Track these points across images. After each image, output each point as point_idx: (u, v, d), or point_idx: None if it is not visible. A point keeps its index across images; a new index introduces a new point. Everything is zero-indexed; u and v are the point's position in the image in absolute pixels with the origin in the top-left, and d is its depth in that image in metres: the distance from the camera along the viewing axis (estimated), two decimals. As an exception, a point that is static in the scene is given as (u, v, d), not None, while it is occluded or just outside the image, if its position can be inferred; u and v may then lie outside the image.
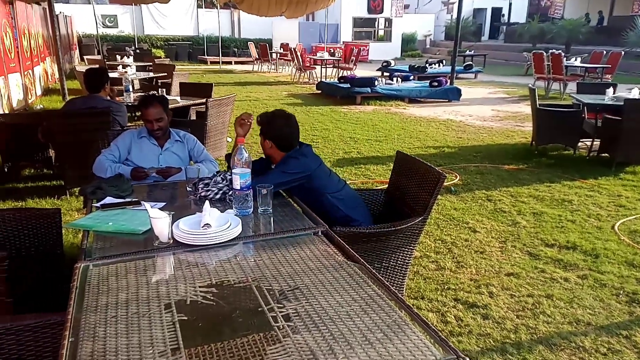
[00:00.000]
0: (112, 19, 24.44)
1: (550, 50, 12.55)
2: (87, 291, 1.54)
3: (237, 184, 2.17)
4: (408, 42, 27.92)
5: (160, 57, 16.24)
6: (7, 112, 7.40)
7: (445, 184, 2.55)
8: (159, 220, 1.84)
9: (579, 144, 6.55)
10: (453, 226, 4.18)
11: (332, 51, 18.50)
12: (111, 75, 6.92)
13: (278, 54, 18.92)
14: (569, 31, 21.43)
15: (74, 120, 4.43)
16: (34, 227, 2.29)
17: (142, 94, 6.35)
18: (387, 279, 2.55)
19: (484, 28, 30.54)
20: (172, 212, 1.91)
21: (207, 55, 22.55)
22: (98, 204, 2.30)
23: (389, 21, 26.79)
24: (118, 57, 12.04)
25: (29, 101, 9.17)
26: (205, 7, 25.85)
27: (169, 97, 5.73)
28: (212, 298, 1.51)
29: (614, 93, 6.38)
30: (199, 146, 3.30)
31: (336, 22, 25.53)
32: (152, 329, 1.32)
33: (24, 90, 8.91)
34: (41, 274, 2.33)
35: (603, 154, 6.15)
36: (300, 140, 2.73)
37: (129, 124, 5.35)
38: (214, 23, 22.67)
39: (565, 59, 12.17)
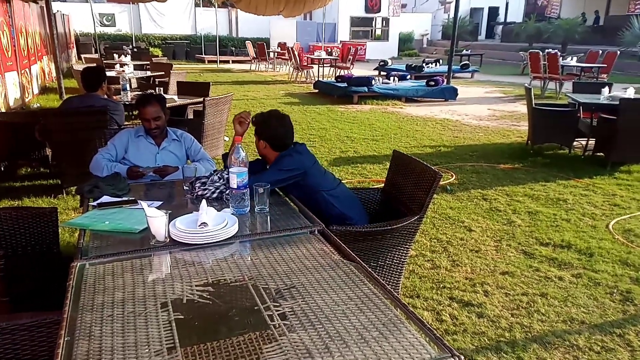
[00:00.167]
0: (109, 18, 24.38)
1: (547, 50, 12.60)
2: (83, 290, 1.55)
3: (234, 183, 2.18)
4: (405, 42, 27.93)
5: (157, 56, 16.19)
6: (4, 110, 7.37)
7: (441, 183, 2.56)
8: (156, 219, 1.84)
9: (575, 143, 6.58)
10: (449, 225, 4.20)
11: (330, 50, 18.50)
12: (108, 74, 6.92)
13: (275, 53, 18.90)
14: (565, 31, 21.48)
15: (71, 119, 4.43)
16: (31, 226, 2.29)
17: (140, 92, 6.35)
18: (383, 278, 2.56)
19: (480, 27, 30.60)
20: (169, 211, 1.91)
21: (205, 54, 22.52)
22: (95, 203, 2.30)
23: (386, 20, 26.81)
24: (115, 55, 12.01)
25: (26, 100, 9.14)
26: (202, 6, 25.81)
27: (166, 96, 5.73)
28: (208, 297, 1.51)
29: (609, 92, 6.41)
30: (196, 145, 3.30)
31: (334, 21, 25.54)
32: (149, 328, 1.33)
33: (21, 89, 8.89)
34: (37, 273, 2.33)
35: (598, 154, 6.18)
36: (296, 139, 2.74)
37: (126, 123, 5.35)
38: (212, 22, 22.63)
39: (561, 58, 12.21)
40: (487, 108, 10.51)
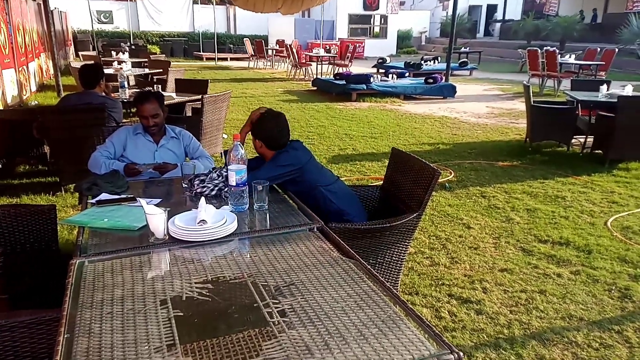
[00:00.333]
0: (107, 15, 24.31)
1: (545, 47, 12.60)
2: (82, 287, 1.55)
3: (232, 180, 2.18)
4: (403, 39, 27.92)
5: (155, 53, 16.15)
6: (1, 108, 7.35)
7: (439, 180, 2.56)
8: (155, 216, 1.84)
9: (573, 140, 6.59)
10: (447, 222, 4.20)
11: (328, 48, 18.48)
12: (106, 71, 6.89)
13: (274, 51, 18.88)
14: (563, 28, 21.49)
15: (69, 116, 4.42)
16: (29, 223, 2.29)
17: (138, 90, 6.33)
18: (382, 275, 2.57)
19: (479, 25, 30.59)
20: (168, 209, 1.91)
21: (203, 52, 22.47)
22: (93, 200, 2.30)
23: (384, 18, 26.77)
24: (113, 53, 11.98)
25: (24, 97, 9.12)
26: (200, 3, 25.73)
27: (164, 94, 5.72)
28: (207, 294, 1.51)
29: (607, 90, 6.42)
30: (195, 143, 3.30)
31: (332, 19, 25.50)
32: (148, 325, 1.33)
33: (19, 86, 8.86)
34: (36, 270, 2.33)
35: (596, 151, 6.19)
36: (294, 137, 2.75)
37: (124, 120, 5.34)
38: (210, 19, 22.60)
39: (559, 56, 12.21)
40: (485, 105, 10.51)
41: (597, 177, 5.49)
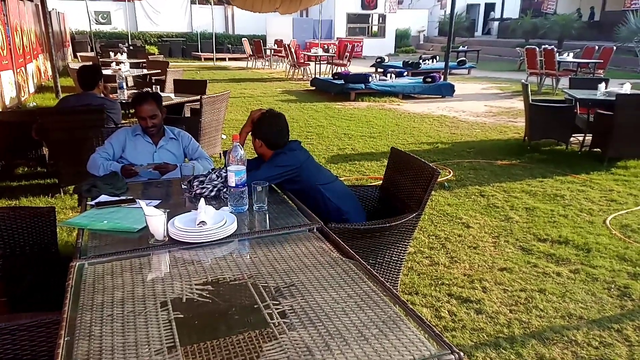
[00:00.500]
0: (105, 16, 24.29)
1: (543, 46, 12.60)
2: (82, 290, 1.55)
3: (232, 181, 2.18)
4: (402, 38, 27.92)
5: (153, 54, 16.14)
6: (0, 110, 7.34)
7: (438, 179, 2.57)
8: (155, 218, 1.84)
9: (571, 139, 6.59)
10: (447, 222, 4.21)
11: (326, 47, 18.48)
12: (105, 72, 6.89)
13: (272, 50, 18.87)
14: (561, 26, 21.50)
15: (67, 117, 4.41)
16: (28, 225, 2.29)
17: (136, 91, 6.33)
18: (382, 275, 2.57)
19: (477, 23, 30.59)
20: (168, 210, 1.91)
21: (201, 52, 22.46)
22: (93, 202, 2.30)
23: (382, 17, 26.77)
24: (111, 54, 11.96)
25: (22, 99, 9.11)
26: (198, 3, 25.72)
27: (163, 94, 5.71)
28: (208, 295, 1.51)
29: (606, 88, 6.42)
30: (194, 143, 3.30)
31: (330, 18, 25.49)
32: (148, 327, 1.33)
33: (17, 88, 8.85)
34: (36, 272, 2.33)
35: (595, 149, 6.19)
36: (293, 137, 2.75)
37: (123, 122, 5.33)
38: (208, 19, 22.58)
39: (557, 54, 12.22)
40: (484, 104, 10.52)
41: (595, 175, 5.50)
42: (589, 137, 6.35)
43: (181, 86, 6.75)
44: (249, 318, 1.40)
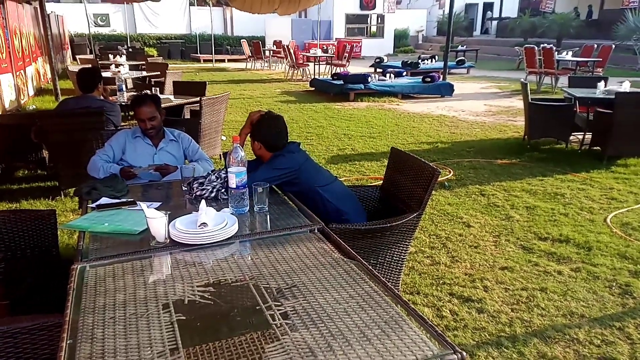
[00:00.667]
0: (104, 18, 24.28)
1: (542, 45, 12.60)
2: (84, 292, 1.55)
3: (232, 182, 2.18)
4: (400, 38, 27.91)
5: (153, 56, 16.14)
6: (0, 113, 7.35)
7: (439, 179, 2.56)
8: (156, 220, 1.84)
9: (571, 137, 6.59)
10: (447, 221, 4.20)
11: (325, 48, 18.48)
12: (104, 74, 6.88)
13: (271, 51, 18.87)
14: (559, 25, 21.50)
15: (67, 120, 4.41)
16: (29, 228, 2.29)
17: (136, 93, 6.33)
18: (383, 275, 2.57)
19: (475, 23, 30.59)
20: (169, 212, 1.91)
21: (200, 53, 22.45)
22: (93, 205, 2.30)
23: (381, 17, 26.77)
24: (110, 56, 11.96)
25: (22, 102, 9.11)
26: (197, 5, 25.72)
27: (162, 96, 5.72)
28: (209, 297, 1.51)
29: (605, 86, 6.41)
30: (194, 145, 3.30)
31: (329, 19, 25.49)
32: (151, 330, 1.33)
33: (16, 91, 8.85)
34: (37, 275, 2.33)
35: (595, 147, 6.19)
36: (293, 137, 2.75)
37: (123, 124, 5.33)
38: (207, 21, 22.58)
39: (556, 53, 12.22)
40: (483, 104, 10.52)
41: (595, 173, 5.50)
42: (588, 136, 6.35)
43: (180, 88, 6.75)
44: (251, 319, 1.40)
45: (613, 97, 5.66)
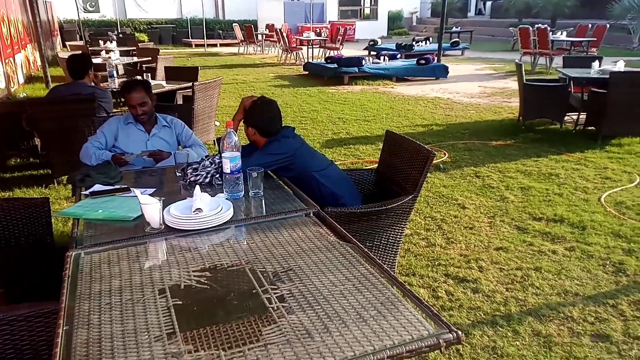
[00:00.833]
0: (93, 4, 23.89)
1: (536, 25, 12.54)
2: (79, 279, 1.54)
3: (227, 167, 2.16)
4: (394, 20, 27.67)
5: (143, 41, 15.96)
6: (-11, 101, 7.26)
7: (434, 161, 2.56)
8: (150, 206, 1.83)
9: (566, 118, 6.60)
10: (442, 203, 4.22)
11: (319, 31, 18.31)
12: (95, 61, 6.81)
13: (264, 35, 18.67)
14: (554, 5, 21.38)
15: (58, 107, 4.37)
16: (23, 217, 2.27)
17: (127, 79, 6.26)
18: (379, 257, 2.58)
19: (470, 4, 30.34)
20: (163, 198, 1.90)
21: (192, 38, 22.20)
22: (87, 192, 2.28)
23: (374, -1, 26.50)
24: (101, 42, 11.80)
25: (12, 90, 9.00)
26: (187, -11, 25.33)
27: (154, 82, 5.66)
28: (206, 282, 1.51)
29: (599, 66, 6.41)
30: (187, 131, 3.27)
31: (322, 1, 25.17)
32: (147, 315, 1.33)
33: (6, 79, 8.74)
34: (32, 263, 2.32)
35: (589, 127, 6.20)
36: (287, 122, 2.73)
37: (115, 110, 5.29)
38: (197, 5, 22.25)
39: (551, 33, 12.17)
40: (478, 85, 10.49)
41: (590, 153, 5.51)
42: (583, 116, 6.36)
43: (173, 73, 6.68)
44: (248, 303, 1.40)
45: (607, 76, 5.65)
